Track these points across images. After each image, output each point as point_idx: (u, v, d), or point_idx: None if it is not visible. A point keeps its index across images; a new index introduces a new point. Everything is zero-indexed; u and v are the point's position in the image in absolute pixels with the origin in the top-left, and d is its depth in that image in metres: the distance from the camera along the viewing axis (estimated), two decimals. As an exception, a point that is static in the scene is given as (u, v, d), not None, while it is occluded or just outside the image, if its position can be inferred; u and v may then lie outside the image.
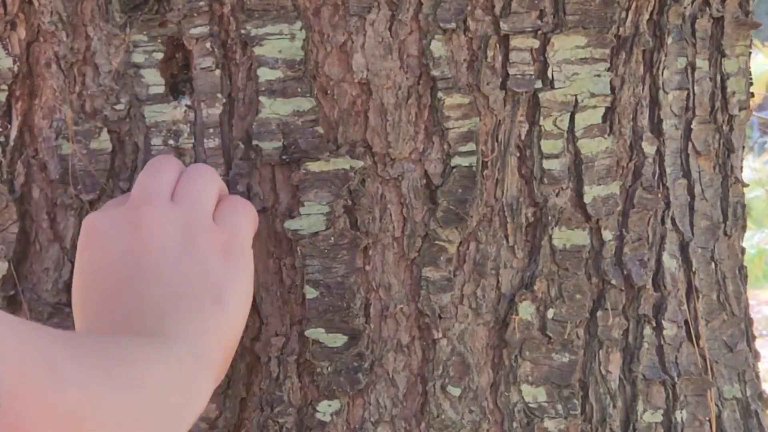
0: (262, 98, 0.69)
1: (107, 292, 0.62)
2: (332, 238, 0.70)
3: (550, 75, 0.72)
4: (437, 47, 0.70)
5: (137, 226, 0.63)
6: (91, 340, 0.55)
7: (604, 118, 0.75)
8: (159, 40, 0.70)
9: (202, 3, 0.69)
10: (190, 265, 0.63)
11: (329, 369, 0.70)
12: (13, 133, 0.73)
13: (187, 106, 0.71)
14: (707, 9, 0.80)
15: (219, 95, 0.70)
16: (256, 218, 0.68)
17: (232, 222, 0.66)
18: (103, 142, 0.71)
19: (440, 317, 0.71)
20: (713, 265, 0.81)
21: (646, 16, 0.76)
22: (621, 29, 0.74)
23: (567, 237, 0.74)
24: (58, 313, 0.72)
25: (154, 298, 0.61)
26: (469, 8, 0.70)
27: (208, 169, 0.68)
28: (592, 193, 0.74)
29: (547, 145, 0.73)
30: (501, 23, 0.71)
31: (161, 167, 0.67)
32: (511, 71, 0.72)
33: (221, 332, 0.63)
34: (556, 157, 0.73)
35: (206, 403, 0.62)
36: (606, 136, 0.75)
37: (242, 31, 0.69)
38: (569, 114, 0.73)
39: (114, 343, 0.56)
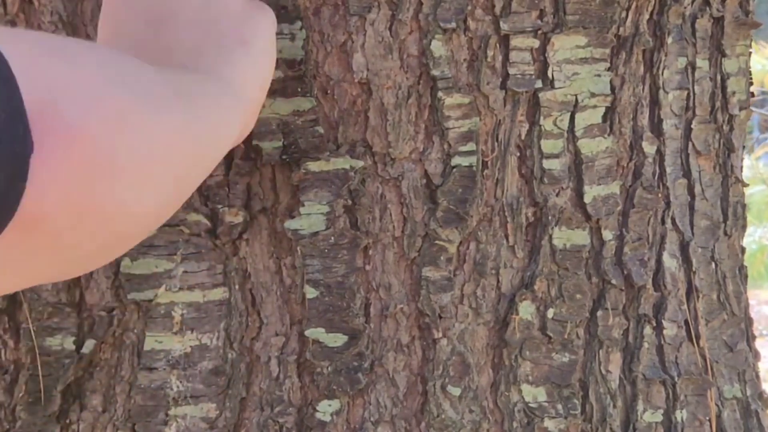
0: (262, 98, 0.69)
1: (140, 26, 0.63)
2: (332, 238, 0.70)
3: (550, 75, 0.72)
4: (437, 47, 0.70)
5: None
6: (151, 69, 0.56)
7: (605, 117, 0.75)
8: (159, 40, 0.70)
9: (202, 3, 0.69)
10: (216, 9, 0.63)
11: (329, 369, 0.70)
12: (13, 133, 0.73)
13: (187, 105, 0.71)
14: (707, 9, 0.80)
15: (219, 95, 0.70)
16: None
17: None
18: (103, 141, 0.71)
19: (440, 317, 0.71)
20: (713, 264, 0.81)
21: (647, 16, 0.76)
22: (621, 29, 0.74)
23: (567, 237, 0.74)
24: (57, 312, 0.72)
25: (184, 38, 0.62)
26: (469, 8, 0.70)
27: None
28: (592, 192, 0.74)
29: (548, 145, 0.73)
30: (501, 23, 0.71)
31: None
32: (512, 71, 0.72)
33: (249, 72, 0.64)
34: (557, 156, 0.73)
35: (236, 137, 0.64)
36: (606, 135, 0.75)
37: (242, 31, 0.69)
38: (569, 114, 0.73)
39: (175, 76, 0.57)
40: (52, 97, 0.42)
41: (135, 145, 0.47)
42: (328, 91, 0.70)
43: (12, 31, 0.49)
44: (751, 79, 0.85)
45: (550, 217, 0.73)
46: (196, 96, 0.57)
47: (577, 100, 0.73)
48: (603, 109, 0.75)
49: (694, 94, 0.80)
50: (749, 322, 0.85)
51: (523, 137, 0.73)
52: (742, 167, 0.85)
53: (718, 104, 0.81)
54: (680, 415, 0.77)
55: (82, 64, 0.46)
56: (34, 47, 0.44)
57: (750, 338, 0.84)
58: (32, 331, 0.71)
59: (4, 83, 0.39)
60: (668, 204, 0.78)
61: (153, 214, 0.52)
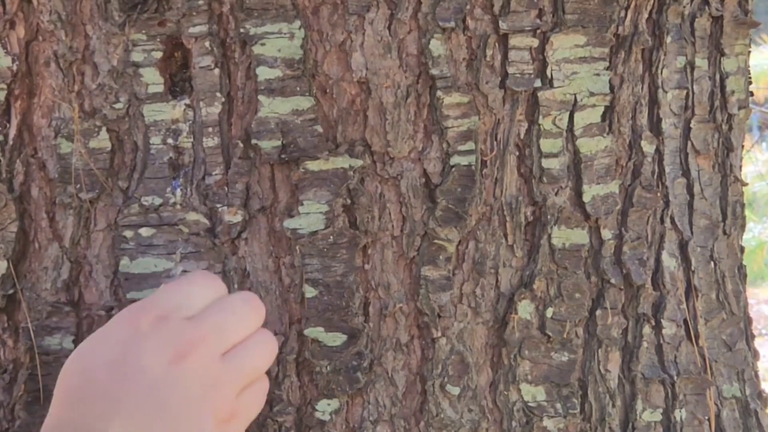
0: (261, 97, 0.69)
1: (102, 388, 0.61)
2: (331, 237, 0.70)
3: (549, 74, 0.72)
4: (436, 46, 0.70)
5: (178, 358, 0.61)
6: None
7: (604, 117, 0.75)
8: (158, 39, 0.70)
9: (201, 2, 0.69)
10: (188, 425, 0.62)
11: (328, 368, 0.70)
12: (12, 132, 0.73)
13: (186, 104, 0.71)
14: (706, 8, 0.80)
15: (218, 94, 0.70)
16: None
17: (250, 403, 0.66)
18: (102, 140, 0.71)
19: (439, 316, 0.71)
20: (712, 264, 0.81)
21: (646, 15, 0.76)
22: (620, 28, 0.74)
23: (566, 236, 0.74)
24: (56, 312, 0.72)
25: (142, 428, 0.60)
26: (468, 7, 0.70)
27: (275, 345, 0.67)
28: (591, 192, 0.74)
29: (547, 144, 0.73)
30: (500, 22, 0.71)
31: (248, 313, 0.66)
32: (510, 70, 0.72)
33: None
34: (555, 156, 0.73)
35: None
36: (605, 135, 0.75)
37: (241, 30, 0.69)
38: (568, 113, 0.73)
39: None
40: None
41: None
42: (327, 91, 0.70)
43: None
44: (750, 78, 0.85)
45: (549, 217, 0.73)
46: None
47: (576, 99, 0.73)
48: (602, 109, 0.75)
49: (693, 93, 0.80)
50: (748, 321, 0.85)
51: (522, 136, 0.73)
52: (741, 166, 0.85)
53: (717, 103, 0.81)
54: (679, 414, 0.77)
55: None
56: None
57: (749, 337, 0.84)
58: (31, 331, 0.71)
59: None
60: (667, 203, 0.78)
61: None
